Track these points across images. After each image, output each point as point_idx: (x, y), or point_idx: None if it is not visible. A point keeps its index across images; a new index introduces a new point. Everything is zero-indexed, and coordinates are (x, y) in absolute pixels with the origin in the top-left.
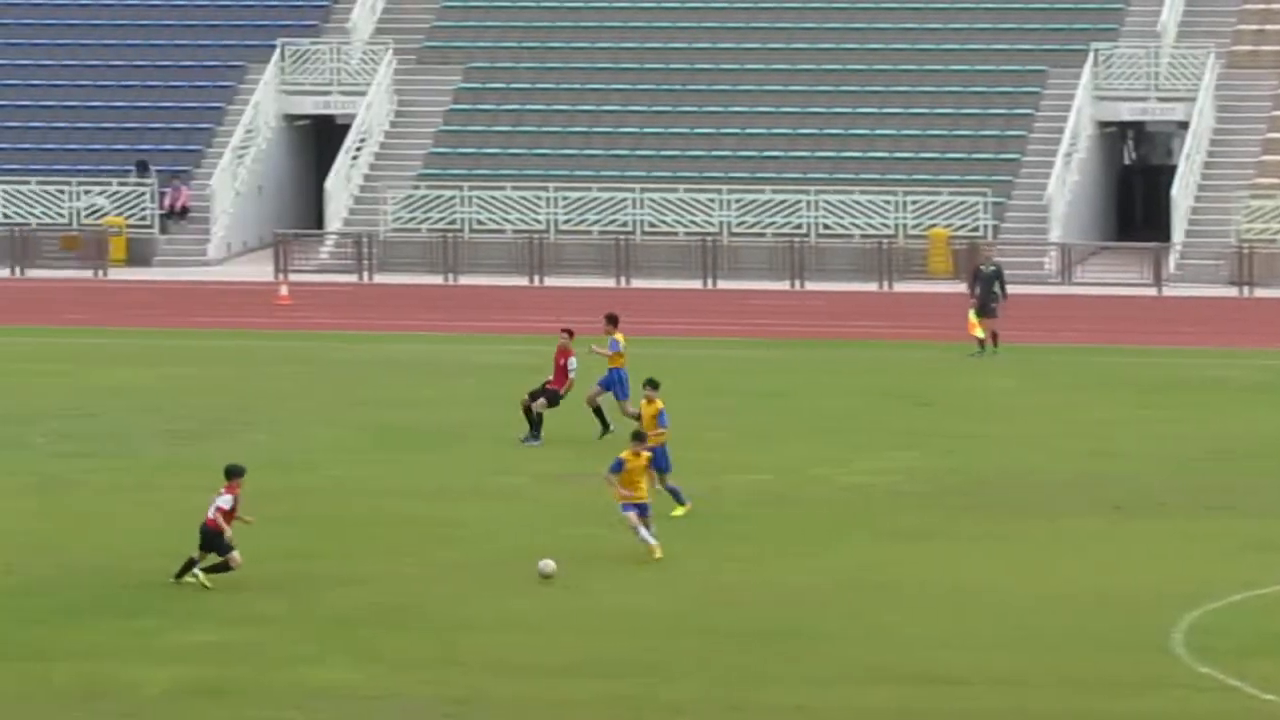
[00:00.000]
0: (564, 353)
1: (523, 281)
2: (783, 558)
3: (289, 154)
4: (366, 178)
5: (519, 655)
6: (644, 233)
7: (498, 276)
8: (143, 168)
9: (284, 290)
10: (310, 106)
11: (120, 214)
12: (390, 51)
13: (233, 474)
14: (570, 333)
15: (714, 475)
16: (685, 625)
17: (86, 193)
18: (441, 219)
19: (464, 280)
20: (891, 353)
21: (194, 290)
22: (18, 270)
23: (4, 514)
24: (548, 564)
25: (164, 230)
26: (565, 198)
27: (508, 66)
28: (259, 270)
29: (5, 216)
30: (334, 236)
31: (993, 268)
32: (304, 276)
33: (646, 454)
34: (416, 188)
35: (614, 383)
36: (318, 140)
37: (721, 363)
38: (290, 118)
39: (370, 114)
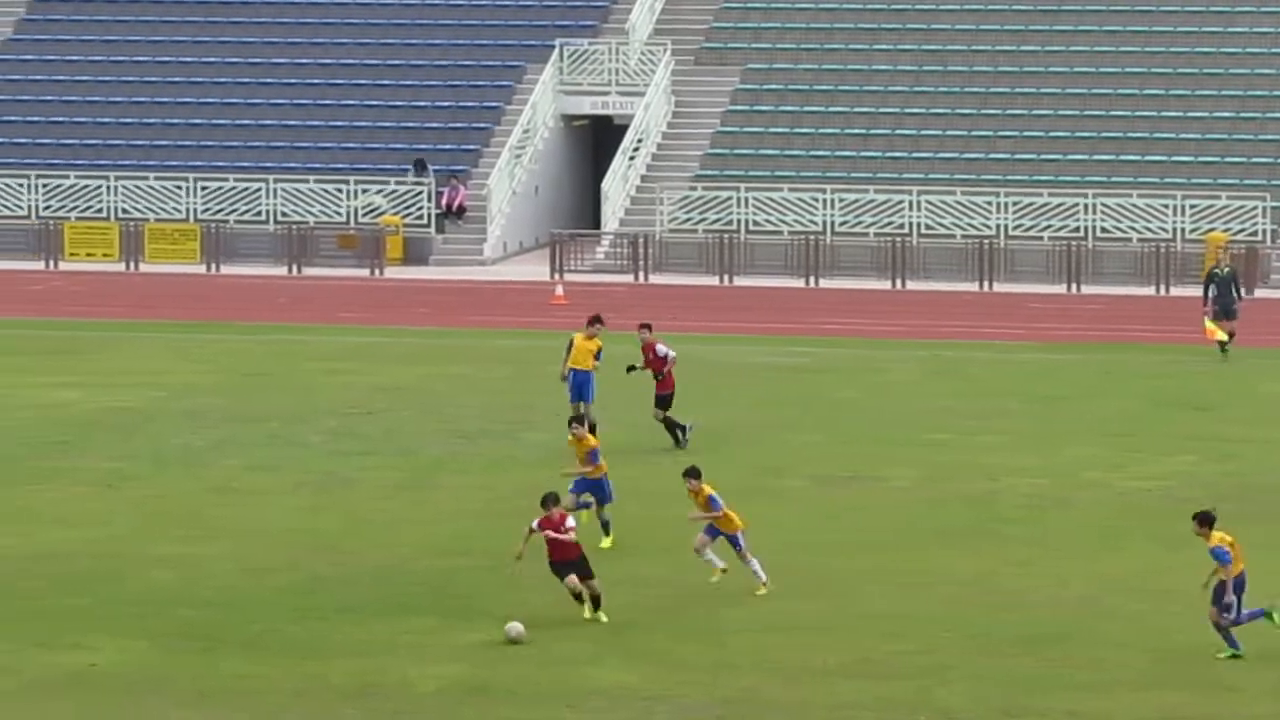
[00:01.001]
0: (650, 346)
1: (798, 283)
2: (1059, 562)
3: (566, 154)
4: (643, 178)
5: (791, 657)
6: (920, 235)
7: (773, 278)
8: (420, 167)
9: (559, 290)
10: (588, 107)
11: (397, 213)
12: (668, 52)
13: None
14: (649, 326)
15: (991, 479)
16: (959, 629)
17: (364, 191)
18: (718, 220)
19: (739, 281)
20: (1168, 356)
21: (470, 289)
22: (295, 268)
23: (283, 512)
24: (514, 628)
25: (440, 229)
26: (842, 199)
27: (785, 68)
28: (535, 270)
29: (283, 215)
30: (610, 236)
31: (1228, 270)
32: (579, 276)
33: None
34: (693, 188)
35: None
36: (595, 140)
37: (998, 366)
38: (568, 118)
39: (648, 114)
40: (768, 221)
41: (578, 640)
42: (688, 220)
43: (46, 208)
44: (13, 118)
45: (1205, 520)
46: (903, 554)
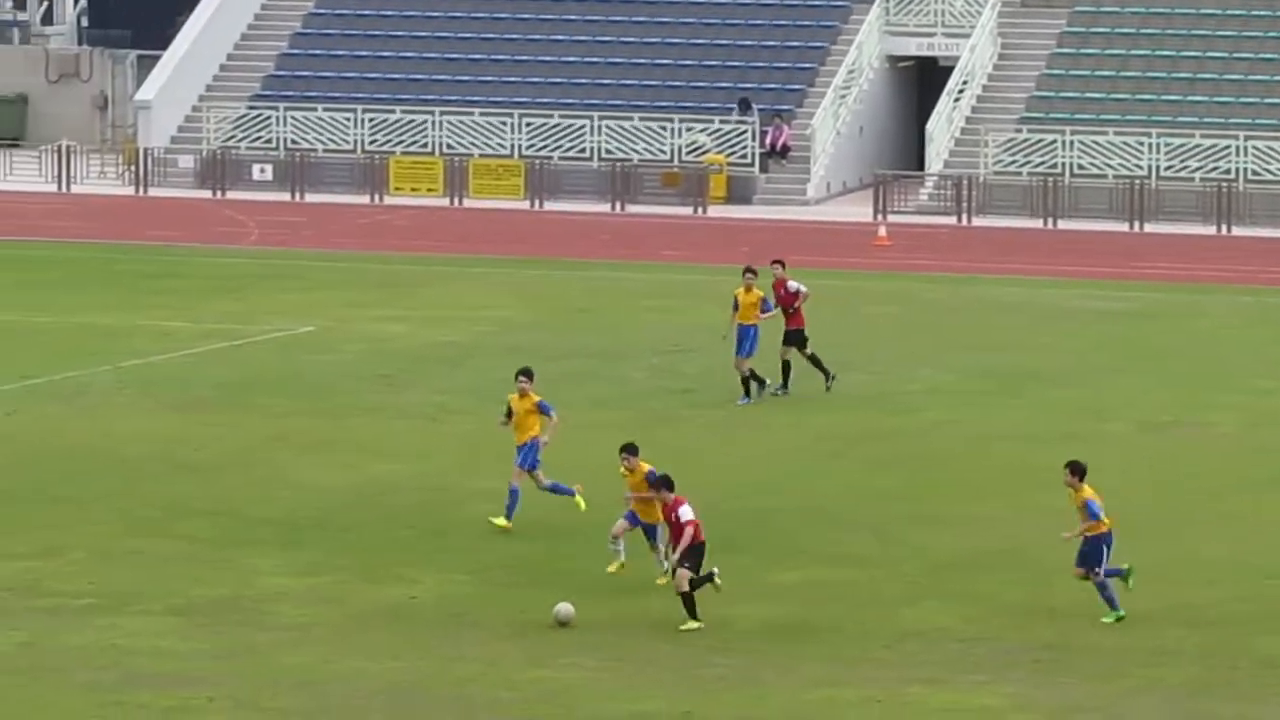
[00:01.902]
0: (781, 282)
1: (1123, 227)
2: None
3: (890, 95)
4: (968, 120)
5: None
6: (1246, 181)
7: (1098, 222)
8: (745, 106)
9: (882, 231)
10: (913, 48)
11: (721, 152)
12: None
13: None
14: (782, 263)
15: None
16: None
17: (688, 130)
18: (1042, 163)
19: (1063, 225)
20: None
21: (792, 229)
22: (618, 205)
23: (604, 448)
24: (564, 609)
25: (764, 169)
26: (1168, 144)
27: (1112, 11)
28: (857, 211)
29: (607, 152)
30: (934, 178)
31: None
32: (903, 218)
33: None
34: (1018, 131)
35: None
36: (919, 82)
37: None
38: (893, 59)
39: (973, 56)
40: (1092, 165)
41: (896, 582)
42: (1012, 163)
43: (372, 142)
44: (340, 52)
45: (1077, 471)
46: (1226, 501)
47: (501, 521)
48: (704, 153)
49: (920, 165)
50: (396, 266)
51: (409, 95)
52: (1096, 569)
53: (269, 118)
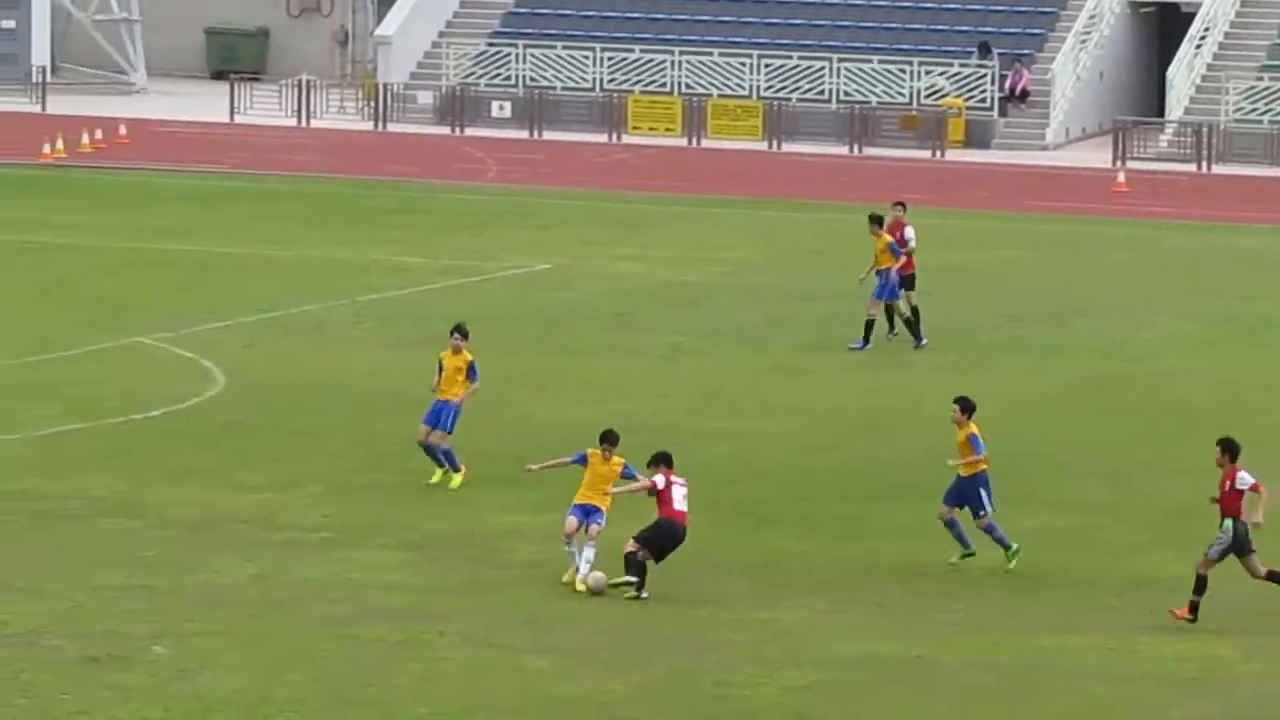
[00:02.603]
0: (900, 225)
1: None
2: None
3: (1131, 41)
4: (1209, 67)
5: None
6: None
7: None
8: (985, 50)
9: (1121, 177)
10: None
11: (960, 95)
12: None
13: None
14: (903, 205)
15: None
16: None
17: (927, 73)
18: None
19: None
20: None
21: (1031, 174)
22: (856, 148)
23: (836, 391)
24: (596, 578)
25: (1003, 113)
26: None
27: None
28: (1096, 156)
29: (845, 94)
30: (1173, 125)
31: None
32: (1141, 164)
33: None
34: (1259, 79)
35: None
36: (1160, 28)
37: None
38: (1134, 4)
39: (1216, 3)
40: None
41: (1129, 529)
42: (1253, 111)
43: (611, 81)
44: None
45: (967, 407)
46: None
47: (439, 477)
48: (943, 96)
49: (1160, 112)
50: (633, 205)
51: (648, 35)
52: (982, 513)
53: (508, 55)
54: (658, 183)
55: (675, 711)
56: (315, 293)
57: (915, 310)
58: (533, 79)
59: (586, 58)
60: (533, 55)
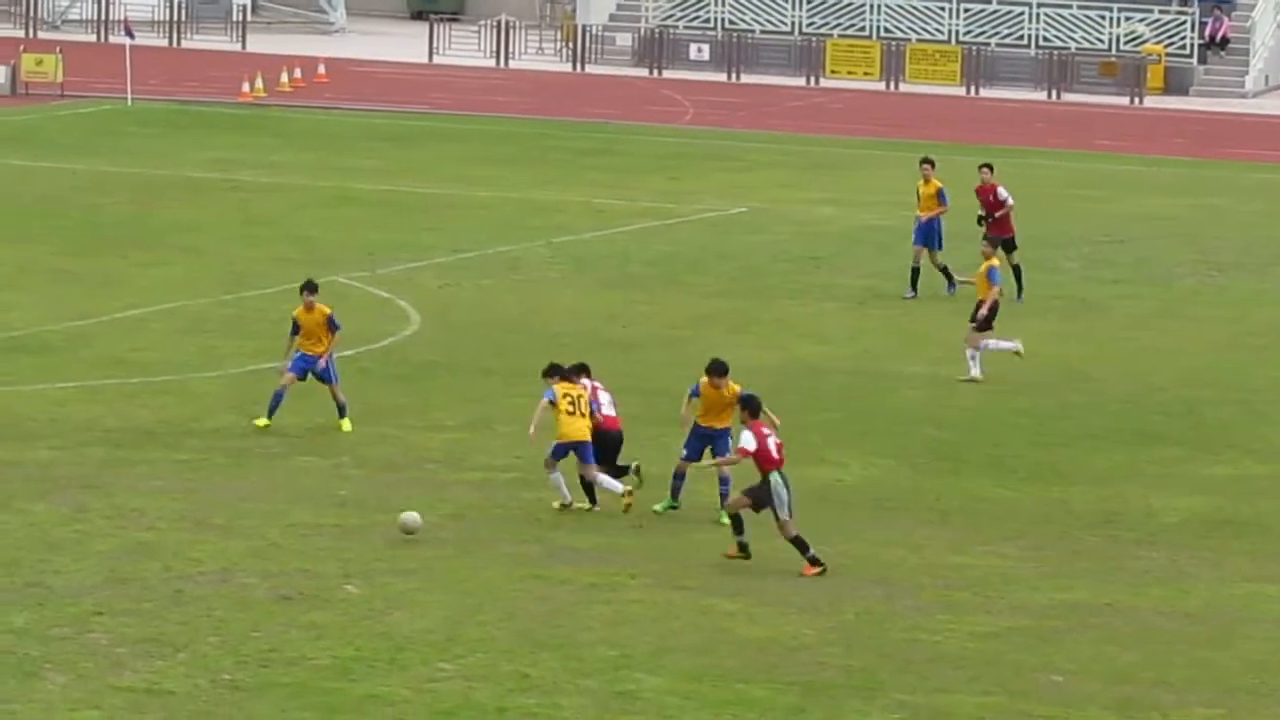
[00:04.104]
0: (991, 188)
1: None
2: None
3: None
4: None
5: None
6: None
7: None
8: None
9: None
10: None
11: (1160, 42)
12: None
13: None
14: (990, 167)
15: None
16: None
17: (1127, 19)
18: None
19: None
20: None
21: (1230, 122)
22: (1054, 94)
23: (1035, 336)
24: (409, 518)
25: (1202, 60)
26: None
27: None
28: None
29: (1045, 40)
30: None
31: None
32: None
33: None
34: None
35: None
36: None
37: None
38: None
39: None
40: None
41: None
42: None
43: (809, 24)
44: None
45: (749, 405)
46: None
47: (263, 421)
48: (1142, 42)
49: None
50: (830, 149)
51: None
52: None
53: None
54: (855, 127)
55: (865, 655)
56: (511, 233)
57: (1017, 269)
58: (731, 22)
59: (785, 1)
60: None
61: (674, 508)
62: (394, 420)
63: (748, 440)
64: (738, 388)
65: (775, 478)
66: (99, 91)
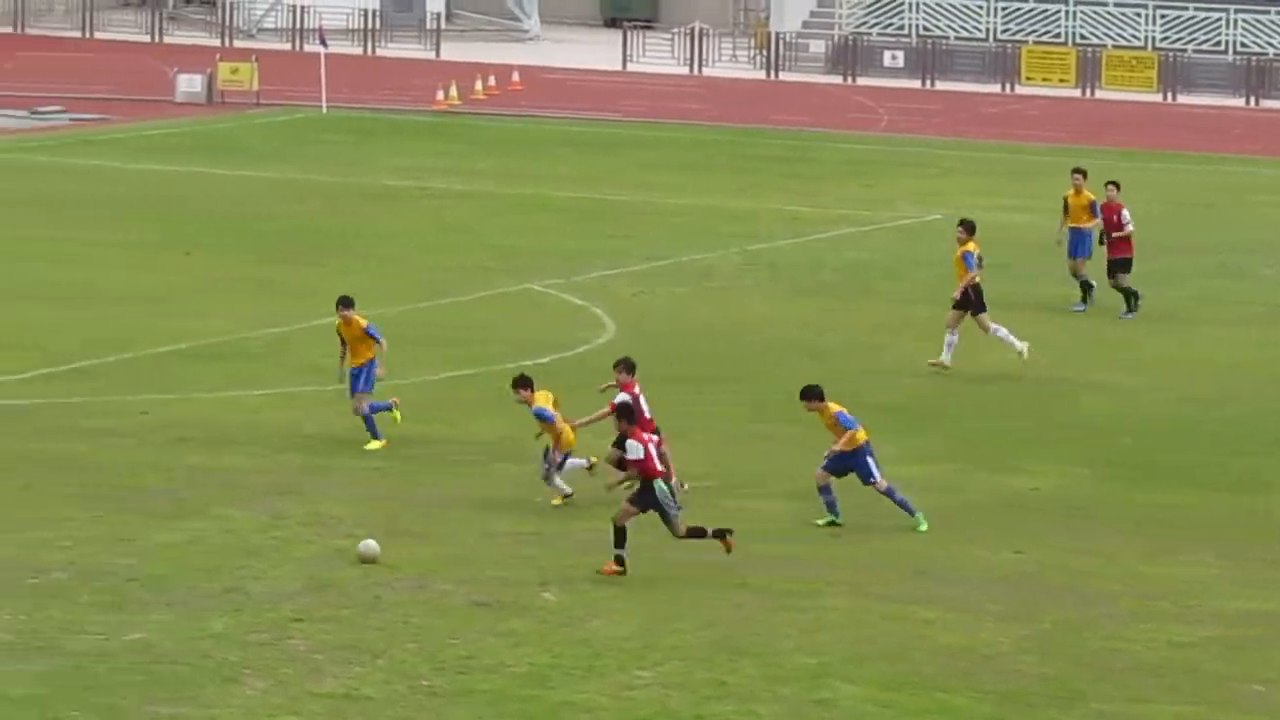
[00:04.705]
0: (1116, 208)
1: None
2: None
3: None
4: None
5: None
6: None
7: None
8: None
9: None
10: None
11: None
12: None
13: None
14: (1117, 185)
15: None
16: None
17: None
18: None
19: None
20: None
21: None
22: (1252, 100)
23: (1229, 344)
24: (367, 547)
25: None
26: None
27: None
28: None
29: (1242, 46)
30: None
31: None
32: None
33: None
34: None
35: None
36: None
37: None
38: None
39: None
40: None
41: None
42: None
43: (1004, 31)
44: None
45: (812, 394)
46: None
47: (376, 445)
48: None
49: None
50: (1026, 156)
51: None
52: (872, 480)
53: (901, 4)
54: (1050, 133)
55: (1062, 663)
56: (705, 241)
57: (1129, 291)
58: (925, 28)
59: (980, 7)
60: (925, 4)
61: (835, 522)
62: (587, 430)
63: (635, 449)
64: (835, 408)
65: (660, 485)
66: (294, 99)
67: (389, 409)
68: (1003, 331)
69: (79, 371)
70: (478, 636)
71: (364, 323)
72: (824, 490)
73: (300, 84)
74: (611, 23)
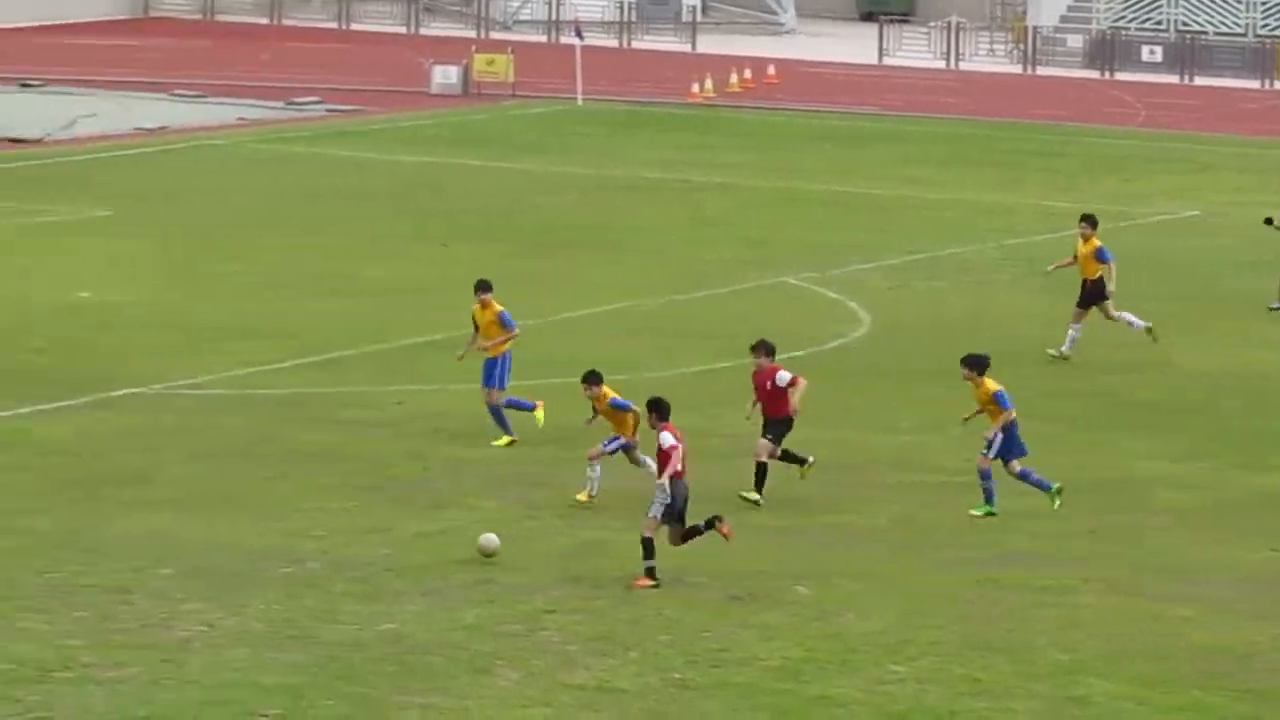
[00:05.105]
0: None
1: None
2: None
3: None
4: None
5: None
6: None
7: None
8: None
9: None
10: None
11: None
12: None
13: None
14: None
15: None
16: None
17: None
18: None
19: None
20: None
21: None
22: None
23: None
24: (488, 540)
25: None
26: None
27: None
28: None
29: None
30: None
31: None
32: None
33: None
34: None
35: None
36: None
37: None
38: None
39: None
40: None
41: None
42: None
43: (1264, 26)
44: None
45: (976, 365)
46: None
47: (504, 441)
48: None
49: None
50: None
51: None
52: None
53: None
54: None
55: None
56: (961, 235)
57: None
58: (1184, 23)
59: (1240, 2)
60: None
61: (991, 513)
62: (844, 421)
63: (669, 439)
64: (994, 386)
65: (672, 483)
66: (549, 92)
67: (531, 409)
68: (1127, 315)
69: (334, 361)
70: (731, 630)
71: (499, 308)
72: (985, 475)
73: (555, 76)
74: (868, 16)
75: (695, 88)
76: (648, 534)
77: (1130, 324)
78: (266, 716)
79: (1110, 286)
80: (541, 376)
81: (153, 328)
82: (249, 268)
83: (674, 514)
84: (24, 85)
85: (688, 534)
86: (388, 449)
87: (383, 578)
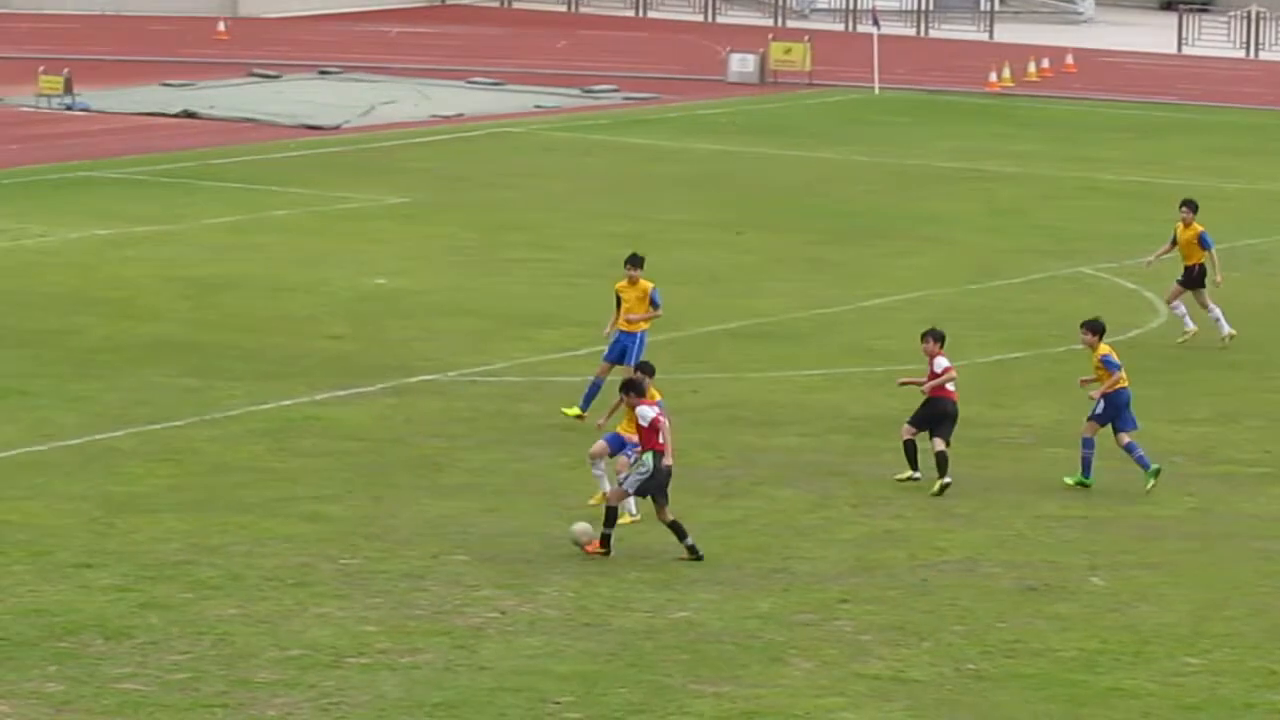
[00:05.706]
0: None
1: None
2: None
3: None
4: None
5: None
6: None
7: None
8: None
9: None
10: None
11: None
12: None
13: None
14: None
15: None
16: None
17: None
18: None
19: None
20: None
21: None
22: None
23: None
24: (581, 530)
25: None
26: None
27: None
28: None
29: None
30: None
31: None
32: None
33: None
34: None
35: None
36: None
37: None
38: None
39: None
40: None
41: None
42: None
43: None
44: None
45: (1094, 329)
46: None
47: (574, 411)
48: None
49: None
50: None
51: None
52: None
53: None
54: None
55: None
56: (1259, 227)
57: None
58: None
59: None
60: None
61: (1084, 484)
62: (1141, 412)
63: (648, 411)
64: (1105, 350)
65: (653, 458)
66: (846, 80)
67: (584, 408)
68: (1217, 311)
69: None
70: (1025, 620)
71: (650, 286)
72: (1087, 444)
73: (852, 65)
74: (1167, 6)
75: (992, 77)
76: (612, 503)
77: (1217, 321)
78: (559, 704)
79: (1217, 277)
80: (834, 366)
81: (447, 314)
82: (544, 255)
83: (655, 487)
84: (322, 73)
85: (674, 526)
86: (682, 437)
87: (677, 566)
